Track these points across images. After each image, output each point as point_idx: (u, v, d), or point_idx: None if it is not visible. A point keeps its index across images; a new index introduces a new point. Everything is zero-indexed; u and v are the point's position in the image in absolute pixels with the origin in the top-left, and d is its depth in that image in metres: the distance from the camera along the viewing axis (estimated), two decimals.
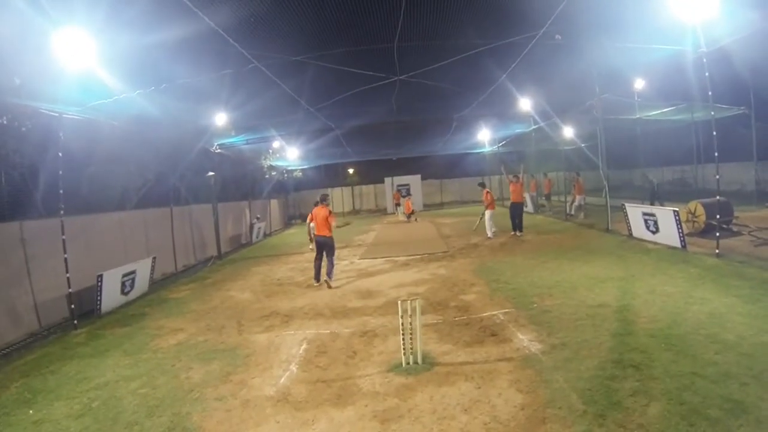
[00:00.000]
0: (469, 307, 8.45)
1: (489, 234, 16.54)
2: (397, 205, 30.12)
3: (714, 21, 9.26)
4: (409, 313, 5.79)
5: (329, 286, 11.16)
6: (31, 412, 5.65)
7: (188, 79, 10.61)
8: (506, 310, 7.93)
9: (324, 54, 10.55)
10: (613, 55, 11.72)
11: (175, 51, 8.79)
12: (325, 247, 11.58)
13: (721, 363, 5.03)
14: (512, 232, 16.73)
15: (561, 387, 4.93)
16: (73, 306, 9.46)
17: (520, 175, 17.79)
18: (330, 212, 11.49)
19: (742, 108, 18.36)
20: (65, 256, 9.31)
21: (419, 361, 5.94)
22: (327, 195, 12.70)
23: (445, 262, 13.09)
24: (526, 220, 17.75)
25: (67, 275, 9.33)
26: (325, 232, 11.42)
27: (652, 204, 17.68)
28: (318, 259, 11.78)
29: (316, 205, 11.79)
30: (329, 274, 11.34)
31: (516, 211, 16.85)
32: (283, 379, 5.96)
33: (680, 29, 9.86)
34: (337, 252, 12.94)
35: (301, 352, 6.94)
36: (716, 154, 10.41)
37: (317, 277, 11.74)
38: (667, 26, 9.78)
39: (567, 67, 12.55)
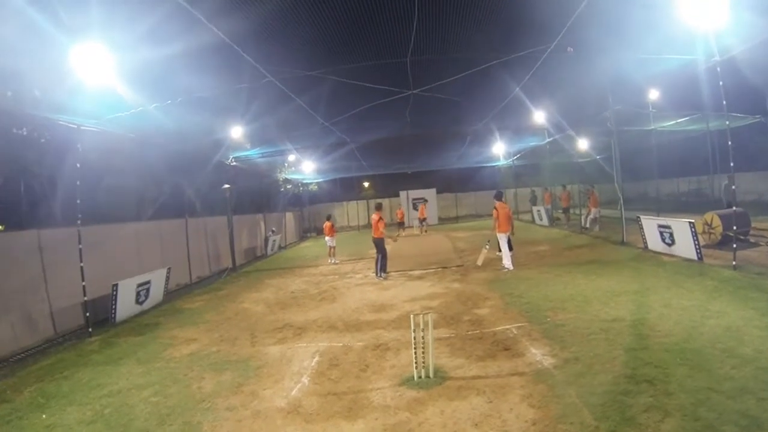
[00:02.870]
0: (482, 321, 8.41)
1: (506, 263, 13.23)
2: (401, 223, 29.90)
3: (726, 29, 9.19)
4: (422, 327, 5.78)
5: (382, 277, 13.47)
6: (44, 416, 5.78)
7: (204, 93, 10.75)
8: (519, 324, 7.86)
9: (337, 69, 10.64)
10: (625, 66, 11.67)
11: (191, 65, 8.93)
12: (376, 247, 13.77)
13: (738, 378, 4.94)
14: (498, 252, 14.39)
15: (573, 402, 4.87)
16: (88, 314, 9.62)
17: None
18: (380, 218, 13.91)
19: (758, 117, 18.15)
20: (81, 264, 9.47)
21: (431, 374, 5.92)
22: (381, 204, 15.20)
23: (459, 275, 13.04)
24: (541, 233, 17.45)
25: (83, 284, 9.49)
26: (375, 234, 13.72)
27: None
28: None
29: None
30: (377, 268, 13.62)
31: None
32: (294, 391, 5.98)
33: (692, 38, 9.81)
34: (352, 265, 16.90)
35: (313, 364, 6.95)
36: (732, 164, 10.31)
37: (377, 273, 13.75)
38: (679, 36, 9.73)
39: (580, 79, 12.51)
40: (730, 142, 10.46)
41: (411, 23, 8.60)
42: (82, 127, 9.78)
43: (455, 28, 9.22)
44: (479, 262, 14.08)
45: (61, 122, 9.53)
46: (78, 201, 9.53)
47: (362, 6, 7.95)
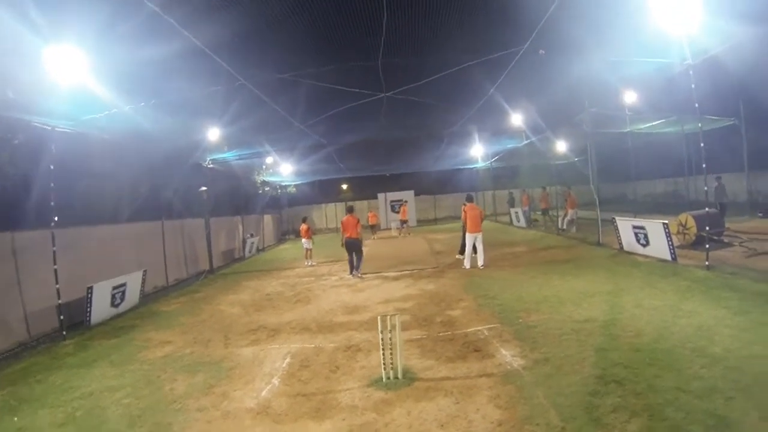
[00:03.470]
0: (454, 322, 8.42)
1: (466, 264, 13.96)
2: (372, 225, 29.25)
3: (699, 33, 9.31)
4: (389, 328, 5.80)
5: (360, 277, 14.03)
6: (15, 419, 5.75)
7: (179, 95, 10.66)
8: (491, 326, 7.89)
9: (309, 72, 10.56)
10: (600, 69, 11.75)
11: (166, 67, 8.83)
12: (354, 248, 14.30)
13: (707, 377, 5.00)
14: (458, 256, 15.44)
15: (540, 403, 4.89)
16: (62, 317, 9.48)
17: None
18: (358, 221, 14.51)
19: (732, 119, 18.42)
20: (55, 267, 9.34)
21: (399, 376, 5.92)
22: (352, 206, 16.13)
23: (435, 277, 13.04)
24: (518, 235, 17.58)
25: (57, 286, 9.37)
26: (354, 235, 14.19)
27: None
28: (350, 257, 14.50)
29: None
30: (359, 267, 14.35)
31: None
32: (264, 392, 5.97)
33: (666, 42, 9.90)
34: (329, 267, 17.17)
35: (284, 365, 6.94)
36: (704, 165, 10.54)
37: (351, 271, 14.47)
38: (653, 39, 9.83)
39: (555, 81, 12.57)
40: (702, 144, 10.68)
41: (380, 25, 8.55)
42: (56, 129, 9.65)
43: (424, 31, 9.18)
44: (480, 263, 13.73)
45: (35, 123, 9.40)
46: (52, 203, 9.41)
47: (331, 9, 7.97)
